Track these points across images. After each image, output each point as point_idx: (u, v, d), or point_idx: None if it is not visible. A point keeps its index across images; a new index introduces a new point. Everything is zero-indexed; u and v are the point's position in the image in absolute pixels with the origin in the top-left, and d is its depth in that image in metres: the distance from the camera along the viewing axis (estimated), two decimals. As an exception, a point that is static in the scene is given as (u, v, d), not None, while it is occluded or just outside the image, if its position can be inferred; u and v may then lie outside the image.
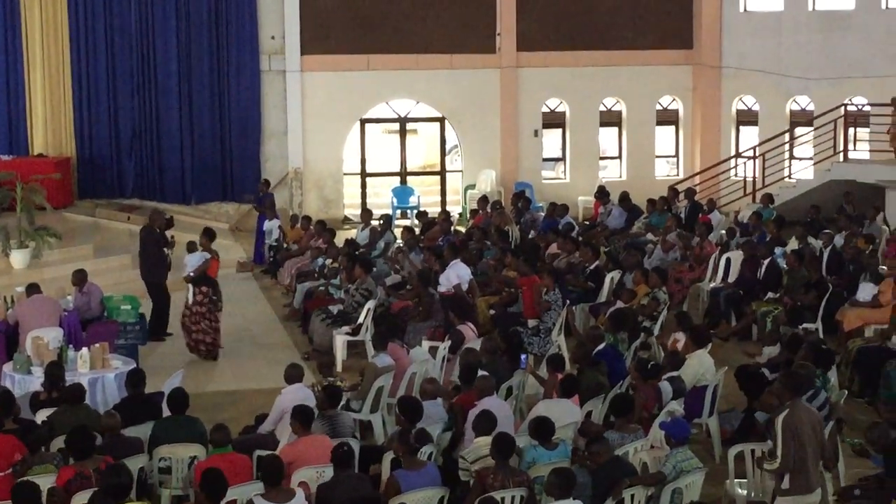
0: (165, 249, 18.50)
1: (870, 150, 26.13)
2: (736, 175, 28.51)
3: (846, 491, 10.66)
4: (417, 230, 23.46)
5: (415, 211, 27.97)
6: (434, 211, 26.44)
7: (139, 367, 14.69)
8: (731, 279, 19.54)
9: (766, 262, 18.87)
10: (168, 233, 19.02)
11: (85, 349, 14.49)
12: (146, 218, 19.79)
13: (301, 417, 11.28)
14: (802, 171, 27.74)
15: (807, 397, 12.00)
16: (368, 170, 29.96)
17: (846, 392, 13.62)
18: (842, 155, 25.99)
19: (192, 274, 17.73)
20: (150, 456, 11.29)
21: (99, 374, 14.08)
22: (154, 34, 27.66)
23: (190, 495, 11.04)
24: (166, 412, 12.10)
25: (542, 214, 24.63)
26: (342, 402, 12.74)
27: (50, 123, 27.62)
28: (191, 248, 18.54)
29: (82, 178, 27.80)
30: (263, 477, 10.12)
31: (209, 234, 18.37)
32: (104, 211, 26.88)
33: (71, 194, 27.38)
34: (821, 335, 16.04)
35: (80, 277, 17.16)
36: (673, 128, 30.76)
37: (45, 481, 10.17)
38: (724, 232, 22.18)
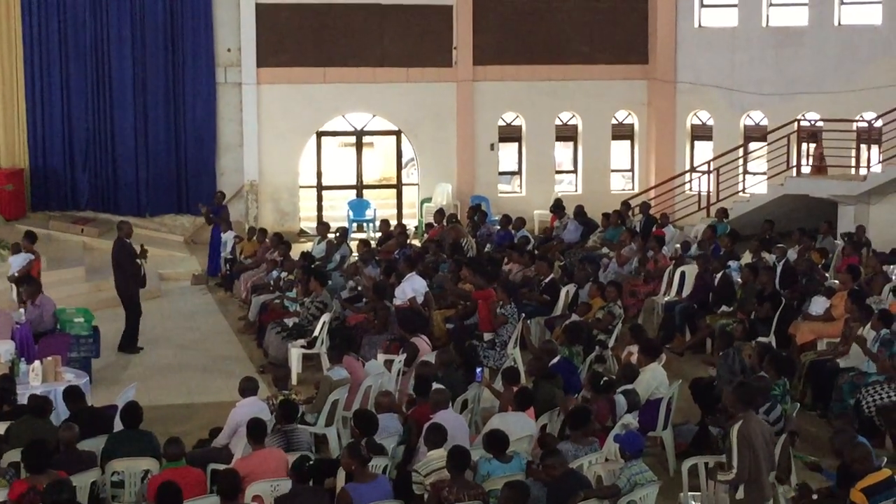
0: (139, 260, 18.40)
1: (822, 166, 26.33)
2: (690, 189, 28.69)
3: (805, 491, 10.72)
4: (374, 242, 23.49)
5: (371, 223, 28.12)
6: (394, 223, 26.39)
7: (90, 380, 14.72)
8: (686, 293, 19.64)
9: (719, 275, 18.98)
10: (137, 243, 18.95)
11: (37, 362, 14.39)
12: (113, 230, 19.90)
13: (253, 432, 11.26)
14: (756, 185, 27.95)
15: (764, 409, 12.09)
16: (324, 183, 29.90)
17: (798, 405, 13.73)
18: (795, 170, 26.20)
19: (16, 274, 18.50)
20: (102, 470, 11.20)
21: (51, 388, 13.95)
22: (109, 45, 27.47)
23: (143, 509, 10.97)
24: (119, 426, 12.02)
25: (498, 228, 24.65)
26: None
27: (3, 134, 27.35)
28: (15, 249, 19.49)
29: (36, 189, 27.55)
30: (220, 491, 10.07)
31: (31, 237, 19.69)
32: (58, 223, 26.67)
33: (24, 206, 27.16)
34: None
35: (32, 290, 17.04)
36: (628, 142, 30.91)
37: (-3, 496, 10.10)
38: (678, 246, 22.30)
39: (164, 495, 9.70)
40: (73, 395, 12.66)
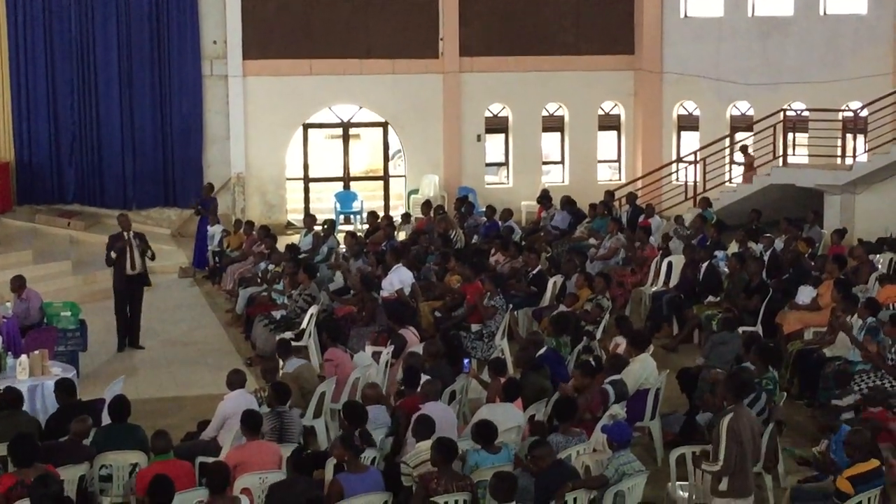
0: (111, 254, 18.32)
1: (808, 155, 26.41)
2: (677, 179, 28.73)
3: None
4: (363, 233, 23.50)
5: (358, 215, 28.15)
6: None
7: (77, 374, 14.70)
8: (673, 283, 19.66)
9: (705, 265, 19.00)
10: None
11: (24, 356, 14.35)
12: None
13: (248, 423, 11.26)
14: (742, 175, 27.99)
15: (748, 401, 12.11)
16: (311, 175, 29.86)
17: (785, 394, 13.76)
18: (781, 159, 26.23)
19: None
20: (90, 464, 11.19)
21: (38, 382, 13.94)
22: (94, 38, 27.37)
23: (131, 502, 10.95)
24: (106, 419, 12.00)
25: (485, 219, 24.64)
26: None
27: (-12, 128, 27.33)
28: None
29: (22, 183, 27.44)
30: (208, 484, 10.05)
31: None
32: (44, 217, 26.61)
33: (10, 200, 27.07)
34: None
35: (18, 283, 17.02)
36: (615, 133, 30.92)
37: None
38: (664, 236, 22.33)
39: (157, 488, 9.68)
40: (64, 388, 12.61)
